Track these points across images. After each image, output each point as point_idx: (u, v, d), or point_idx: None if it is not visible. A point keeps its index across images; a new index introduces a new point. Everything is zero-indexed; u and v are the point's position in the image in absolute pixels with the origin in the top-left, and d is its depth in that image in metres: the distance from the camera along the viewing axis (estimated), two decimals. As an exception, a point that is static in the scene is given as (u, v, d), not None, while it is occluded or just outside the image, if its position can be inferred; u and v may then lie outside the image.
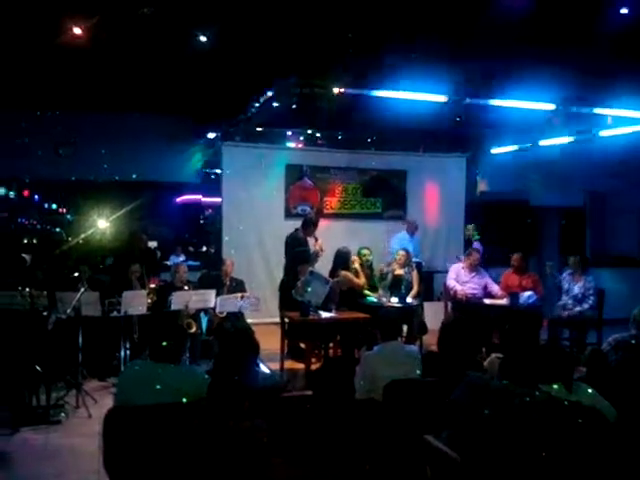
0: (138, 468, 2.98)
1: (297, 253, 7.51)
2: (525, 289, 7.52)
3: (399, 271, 7.65)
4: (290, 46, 6.57)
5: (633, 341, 4.48)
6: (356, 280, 7.44)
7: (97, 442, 3.22)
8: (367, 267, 7.77)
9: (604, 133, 9.41)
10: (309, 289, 6.68)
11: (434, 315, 8.92)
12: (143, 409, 3.14)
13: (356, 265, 7.55)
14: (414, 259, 8.96)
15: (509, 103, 7.61)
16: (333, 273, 7.43)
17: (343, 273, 7.33)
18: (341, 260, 7.48)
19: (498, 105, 7.71)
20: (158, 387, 3.27)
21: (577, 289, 7.58)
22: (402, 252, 7.84)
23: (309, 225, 7.82)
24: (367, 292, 7.53)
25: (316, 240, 7.73)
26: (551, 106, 7.79)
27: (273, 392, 3.67)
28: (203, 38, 6.54)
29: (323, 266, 7.66)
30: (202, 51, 6.68)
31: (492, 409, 2.87)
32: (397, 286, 7.46)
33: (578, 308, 7.48)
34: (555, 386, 3.22)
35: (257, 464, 2.57)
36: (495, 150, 11.25)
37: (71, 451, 4.78)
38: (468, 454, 2.78)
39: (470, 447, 2.82)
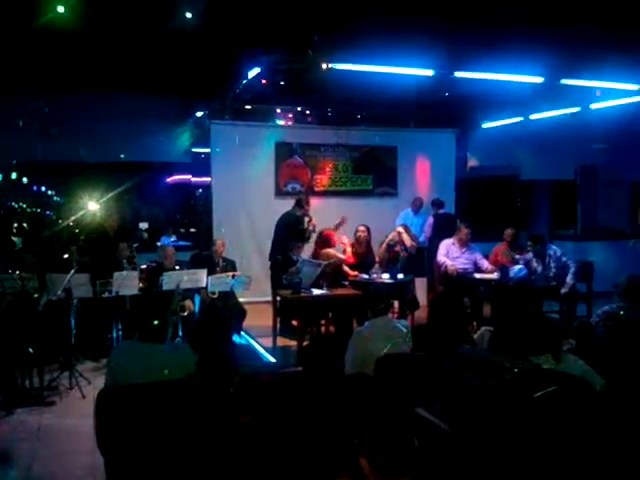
0: (132, 447, 3.00)
1: (293, 232, 7.54)
2: (517, 262, 7.56)
3: (398, 247, 7.76)
4: (276, 21, 6.49)
5: (622, 312, 4.51)
6: (336, 255, 7.45)
7: (91, 422, 3.22)
8: (361, 244, 7.74)
9: (594, 106, 9.38)
10: (301, 275, 6.70)
11: (425, 291, 9.02)
12: (134, 388, 3.15)
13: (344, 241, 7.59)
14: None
15: (496, 76, 7.54)
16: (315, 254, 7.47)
17: (324, 251, 7.35)
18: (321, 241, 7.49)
19: (486, 78, 7.63)
20: (147, 367, 3.28)
21: (553, 267, 7.35)
22: (390, 236, 7.84)
23: (303, 204, 7.89)
24: (346, 268, 7.51)
25: (310, 219, 7.77)
26: (539, 79, 7.73)
27: (264, 371, 3.69)
28: (189, 15, 6.45)
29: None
30: (189, 28, 6.58)
31: (482, 381, 2.89)
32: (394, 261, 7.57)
33: (564, 289, 7.23)
34: (544, 357, 3.25)
35: (246, 439, 2.59)
36: (486, 125, 11.20)
37: (65, 432, 4.82)
38: (459, 426, 2.81)
39: (461, 419, 2.84)
